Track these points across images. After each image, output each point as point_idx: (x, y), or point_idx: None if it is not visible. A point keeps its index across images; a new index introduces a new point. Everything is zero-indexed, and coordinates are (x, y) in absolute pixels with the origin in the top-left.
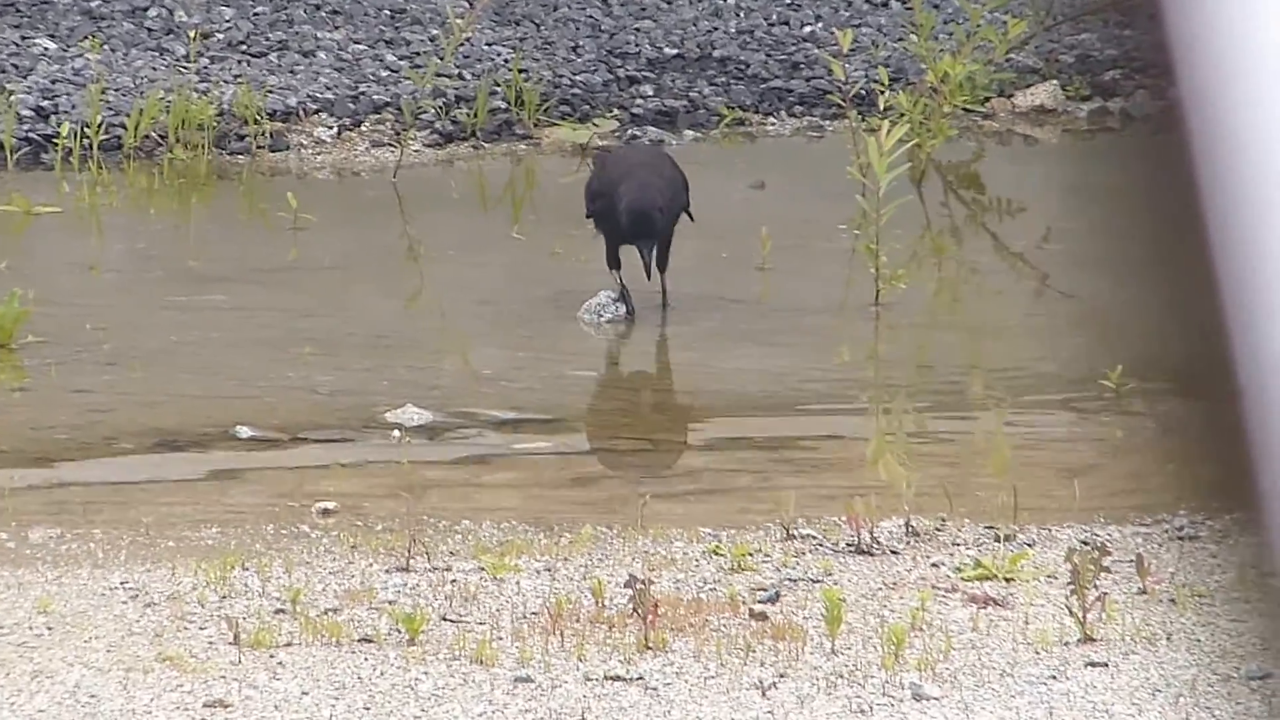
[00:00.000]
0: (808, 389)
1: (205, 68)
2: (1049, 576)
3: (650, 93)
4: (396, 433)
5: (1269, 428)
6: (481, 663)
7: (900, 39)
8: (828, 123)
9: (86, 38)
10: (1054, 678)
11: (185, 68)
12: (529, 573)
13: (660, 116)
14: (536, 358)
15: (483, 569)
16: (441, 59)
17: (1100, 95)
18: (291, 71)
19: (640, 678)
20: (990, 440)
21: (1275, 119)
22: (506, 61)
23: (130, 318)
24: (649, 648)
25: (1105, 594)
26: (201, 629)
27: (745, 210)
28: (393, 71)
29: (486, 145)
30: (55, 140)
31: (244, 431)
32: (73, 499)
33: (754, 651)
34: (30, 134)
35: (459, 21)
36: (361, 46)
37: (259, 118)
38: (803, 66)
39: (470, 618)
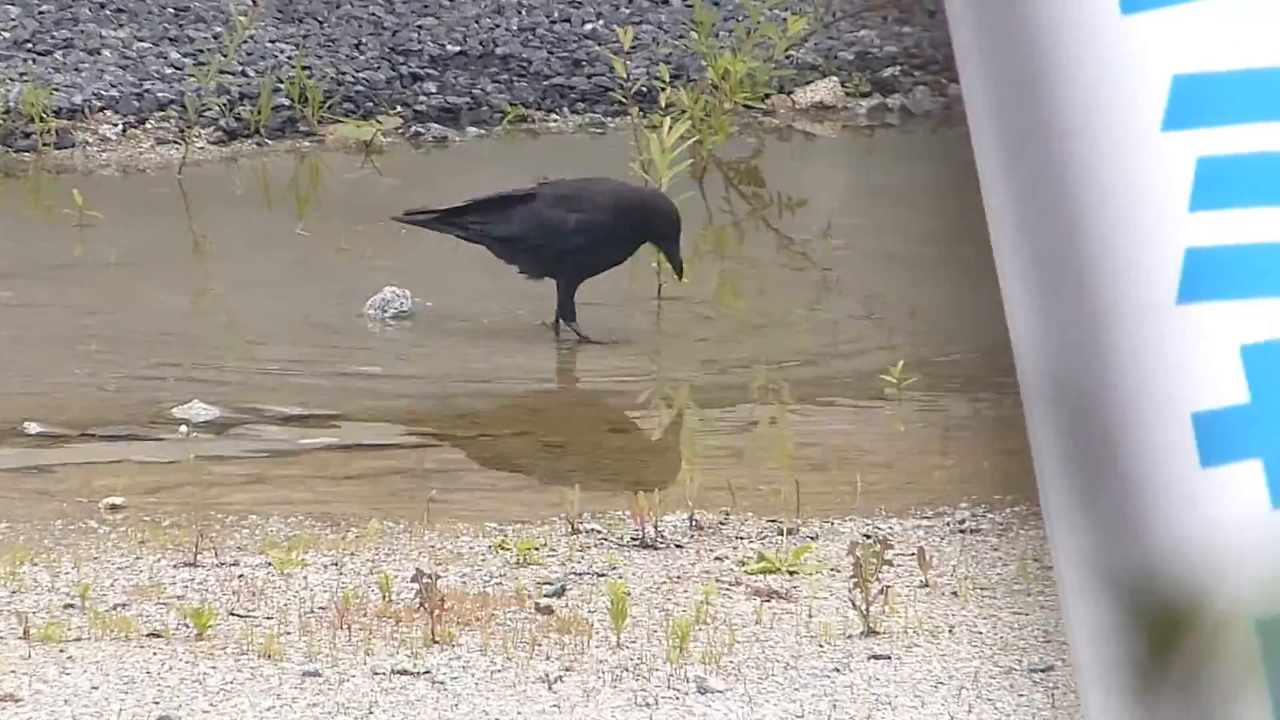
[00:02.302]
0: (592, 384)
1: None
2: (832, 570)
3: (433, 90)
4: (184, 428)
5: (1043, 422)
6: (269, 657)
7: (681, 36)
8: (610, 120)
9: None
10: (837, 670)
11: None
12: (316, 567)
13: (443, 114)
14: (322, 354)
15: (270, 564)
16: (225, 56)
17: (880, 92)
18: (76, 69)
19: (427, 672)
20: (773, 435)
21: (1054, 117)
22: (290, 59)
23: None
24: (436, 642)
25: (888, 587)
26: None
27: None
28: (177, 69)
29: (270, 142)
30: None
31: (32, 428)
32: None
33: (540, 645)
34: None
35: (242, 19)
36: (146, 44)
37: (44, 115)
38: (585, 64)
39: (258, 612)
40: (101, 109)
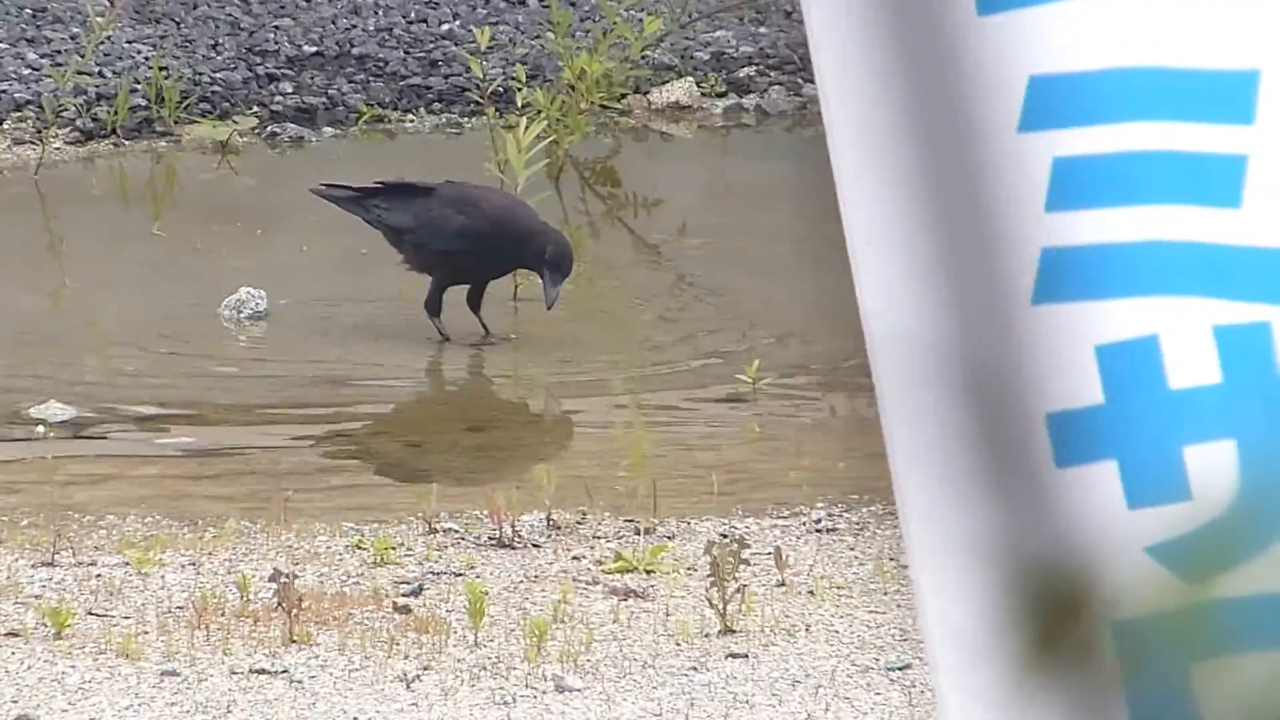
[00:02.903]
0: (447, 383)
1: None
2: (689, 569)
3: (290, 90)
4: (40, 428)
5: (898, 422)
6: (128, 656)
7: (538, 36)
8: (466, 120)
9: None
10: (695, 669)
11: None
12: (174, 567)
13: (300, 114)
14: (178, 354)
15: (128, 563)
16: (82, 57)
17: (735, 92)
18: None
19: (285, 671)
20: (629, 434)
21: (911, 117)
22: (147, 59)
23: None
24: (294, 641)
25: (745, 586)
26: None
27: None
28: (34, 70)
29: (127, 143)
30: None
31: None
32: None
33: (398, 644)
34: None
35: (99, 20)
36: (3, 45)
37: None
38: (441, 64)
39: (116, 612)
40: None
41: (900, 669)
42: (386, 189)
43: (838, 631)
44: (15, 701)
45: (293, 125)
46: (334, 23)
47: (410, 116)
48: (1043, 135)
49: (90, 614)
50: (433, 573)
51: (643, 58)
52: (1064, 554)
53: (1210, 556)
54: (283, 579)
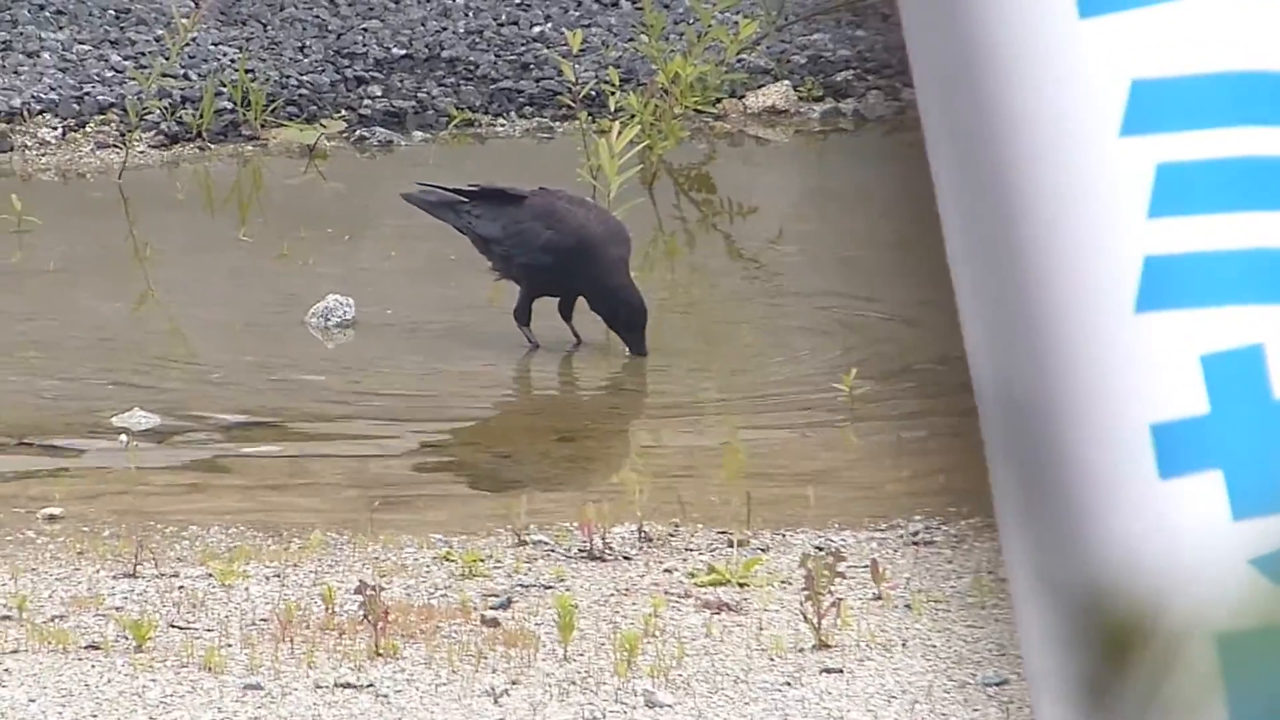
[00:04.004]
0: (537, 392)
1: None
2: (783, 582)
3: (378, 93)
4: (123, 437)
5: (999, 433)
6: (210, 670)
7: (631, 39)
8: (558, 124)
9: None
10: (788, 684)
11: None
12: (258, 579)
13: (388, 117)
14: (264, 362)
15: (211, 575)
16: (167, 59)
17: (833, 96)
18: (15, 72)
19: (371, 685)
20: (724, 445)
21: (1011, 122)
22: (233, 62)
23: None
24: (380, 655)
25: (840, 600)
26: None
27: None
28: (118, 72)
29: (213, 146)
30: None
31: None
32: None
33: (486, 658)
34: None
35: (184, 21)
36: (86, 47)
37: None
38: (532, 67)
39: (199, 624)
40: (41, 112)
41: (998, 684)
42: (481, 193)
43: (935, 646)
44: (95, 716)
45: (381, 129)
46: (423, 25)
47: (501, 120)
48: (1145, 140)
49: (172, 626)
50: (522, 585)
51: (738, 61)
52: (1160, 567)
53: None
54: (369, 591)
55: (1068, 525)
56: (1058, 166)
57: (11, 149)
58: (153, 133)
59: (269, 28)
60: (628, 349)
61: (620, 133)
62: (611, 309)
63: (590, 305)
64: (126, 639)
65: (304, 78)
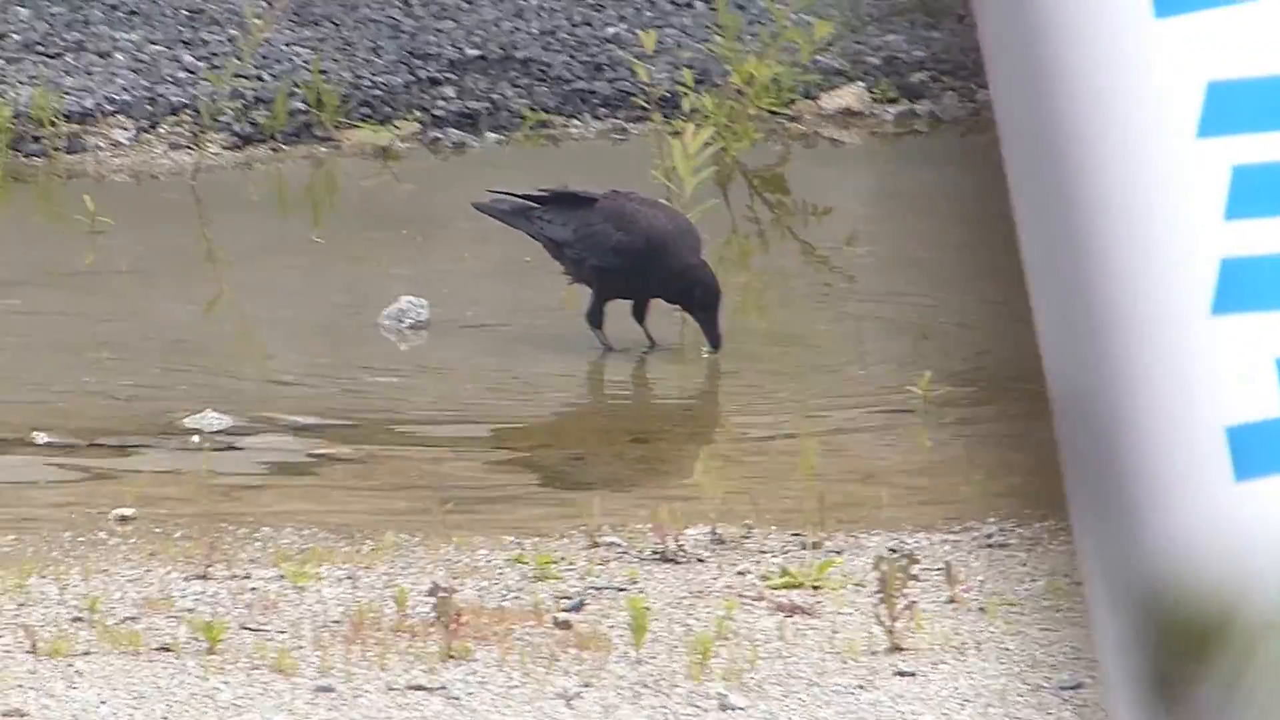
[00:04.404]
0: (610, 394)
1: (0, 69)
2: (857, 585)
3: (452, 94)
4: (195, 438)
5: (1074, 434)
6: (282, 672)
7: (705, 40)
8: (632, 125)
9: None
10: (862, 687)
11: None
12: (330, 580)
13: (462, 119)
14: (337, 363)
15: (283, 576)
16: (240, 60)
17: (907, 98)
18: (88, 73)
19: (443, 687)
20: (796, 447)
21: (1087, 124)
22: (306, 63)
23: None
24: (452, 657)
25: (914, 603)
26: None
27: None
28: (190, 73)
29: (286, 147)
30: None
31: (41, 437)
32: None
33: (558, 661)
34: None
35: (257, 22)
36: (159, 47)
37: (55, 120)
38: (606, 68)
39: (270, 626)
40: (113, 113)
41: (1072, 688)
42: (552, 198)
43: (1009, 650)
44: (166, 718)
45: (455, 130)
46: (497, 25)
47: (575, 121)
48: (1222, 142)
49: (244, 628)
50: (594, 587)
51: (813, 62)
52: (1237, 567)
53: None
54: (441, 593)
55: (1144, 526)
56: (1134, 168)
57: (84, 150)
58: (225, 134)
59: (342, 28)
60: (704, 337)
61: (694, 134)
62: (685, 288)
63: (665, 297)
64: (198, 641)
65: (377, 79)
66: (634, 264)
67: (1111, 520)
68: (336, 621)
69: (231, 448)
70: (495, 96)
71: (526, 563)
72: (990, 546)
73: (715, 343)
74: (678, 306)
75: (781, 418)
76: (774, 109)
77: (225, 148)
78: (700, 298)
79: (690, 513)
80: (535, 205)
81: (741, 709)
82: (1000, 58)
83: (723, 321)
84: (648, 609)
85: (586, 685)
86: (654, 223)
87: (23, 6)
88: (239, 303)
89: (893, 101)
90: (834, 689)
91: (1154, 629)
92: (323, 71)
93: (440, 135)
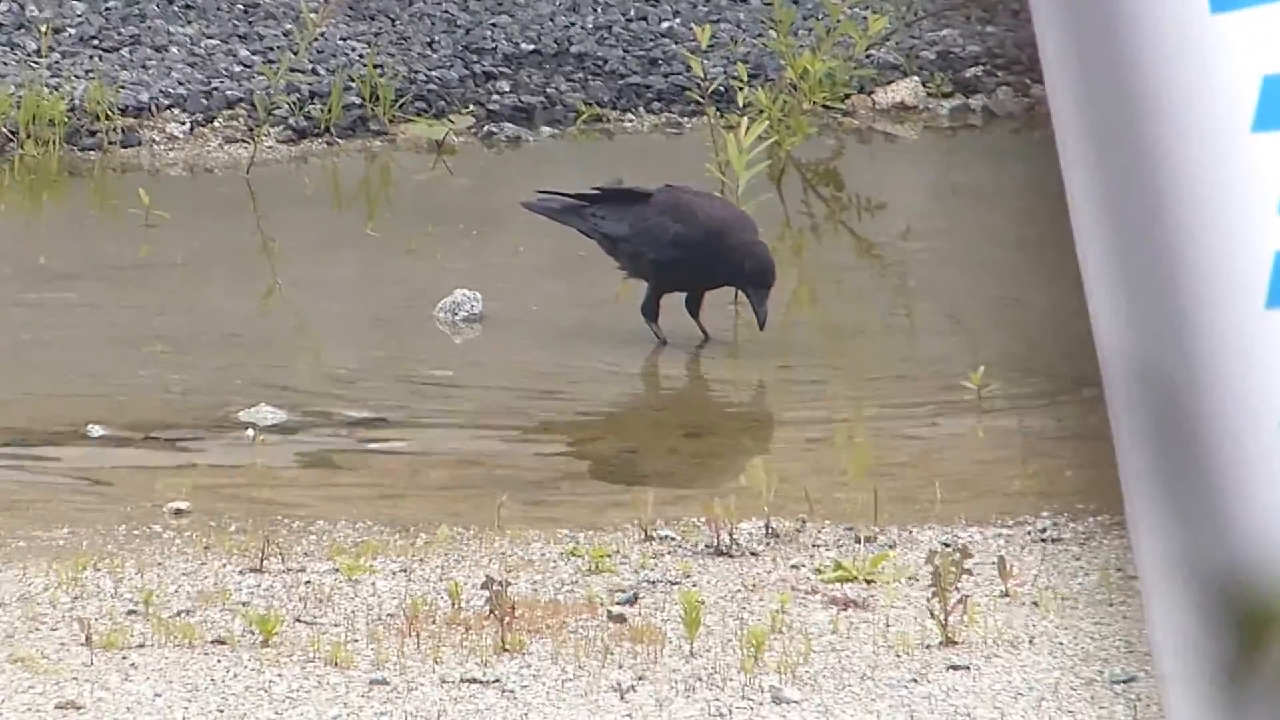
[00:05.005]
0: (664, 388)
1: (56, 63)
2: (910, 579)
3: (507, 89)
4: (250, 432)
5: (1130, 428)
6: (336, 665)
7: (759, 35)
8: (686, 120)
9: None
10: (915, 681)
11: (36, 63)
12: (384, 574)
13: (517, 113)
14: (391, 357)
15: (337, 570)
16: (295, 54)
17: (962, 92)
18: (144, 67)
19: (497, 680)
20: (850, 441)
21: (1141, 119)
22: (361, 57)
23: None
24: (506, 650)
25: (967, 596)
26: (53, 630)
27: None
28: (246, 67)
29: (341, 142)
30: None
31: (96, 430)
32: None
33: (612, 654)
34: None
35: (313, 16)
36: (214, 41)
37: (111, 113)
38: (661, 63)
39: (325, 619)
40: (169, 107)
41: (1125, 682)
42: (604, 195)
43: (1062, 643)
44: (221, 711)
45: (510, 124)
46: (552, 20)
47: (629, 116)
48: (1277, 136)
49: (299, 621)
50: (648, 581)
51: (867, 57)
52: None
53: None
54: (496, 586)
55: (1203, 519)
56: (1188, 162)
57: (139, 144)
58: (281, 128)
59: (397, 23)
60: (754, 314)
61: (749, 128)
62: (737, 263)
63: (721, 280)
64: (253, 634)
65: (432, 73)
66: (692, 255)
67: (1174, 511)
68: (391, 615)
69: (286, 441)
70: (550, 91)
71: (581, 556)
72: (1043, 541)
73: (761, 321)
74: (734, 292)
75: (835, 411)
76: (828, 103)
77: (280, 141)
78: (750, 271)
79: (744, 506)
80: (587, 203)
81: (795, 702)
82: (1055, 52)
83: (770, 304)
84: (701, 602)
85: (640, 679)
86: (712, 212)
87: (79, 1)
88: (293, 297)
89: (947, 96)
90: (887, 683)
91: (1218, 614)
92: (378, 66)
93: (495, 129)
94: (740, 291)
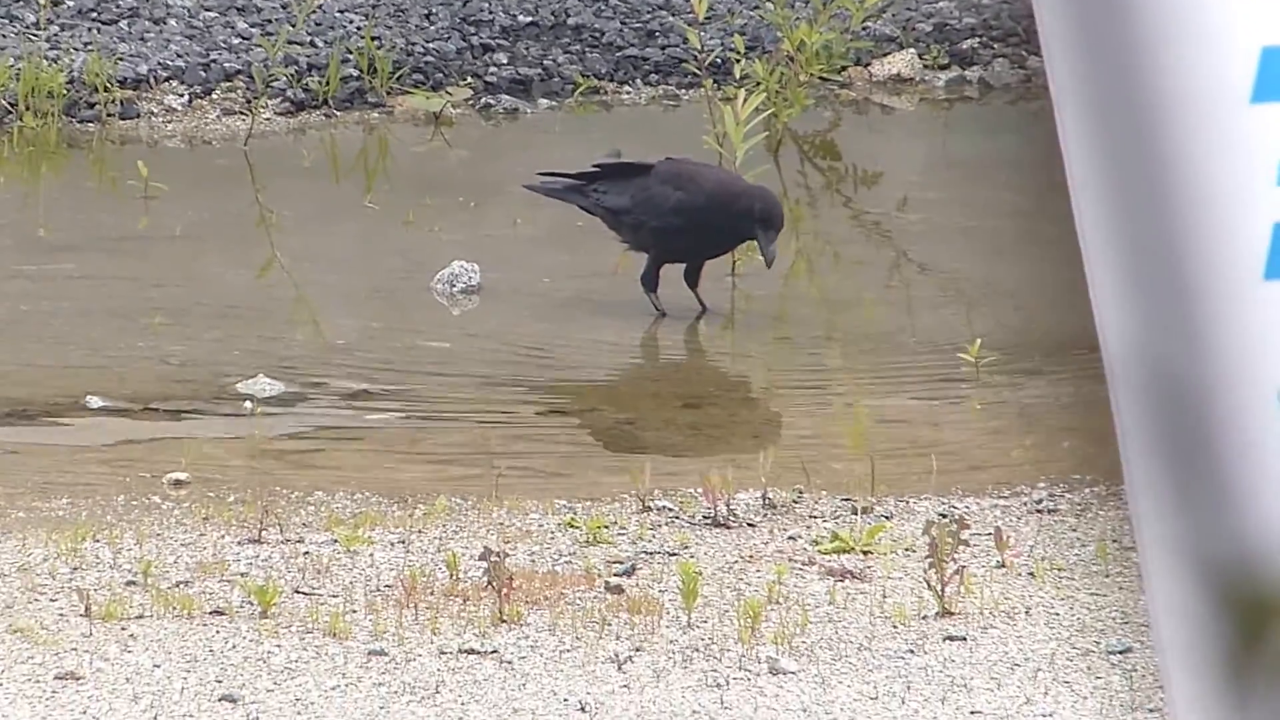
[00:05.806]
0: (662, 359)
1: (55, 35)
2: (907, 550)
3: (504, 61)
4: (248, 403)
5: (1129, 401)
6: (335, 635)
7: (756, 7)
8: (683, 91)
9: None
10: (912, 651)
11: (35, 35)
12: (383, 545)
13: (514, 85)
14: (389, 328)
15: (336, 541)
16: (293, 26)
17: (958, 64)
18: (142, 39)
19: (495, 651)
20: (847, 412)
21: (1140, 90)
22: (359, 29)
23: None
24: (504, 621)
25: (963, 567)
26: (52, 601)
27: None
28: (244, 39)
29: (339, 114)
30: None
31: (94, 401)
32: None
33: (609, 625)
34: None
35: None
36: (213, 14)
37: (109, 85)
38: (658, 34)
39: (323, 590)
40: (167, 79)
41: (1121, 653)
42: (605, 171)
43: (1058, 614)
44: (220, 681)
45: (507, 96)
46: None
47: (626, 88)
48: (1275, 107)
49: (297, 592)
50: (646, 552)
51: (864, 29)
52: None
53: None
54: (493, 557)
55: (1203, 493)
56: (1187, 133)
57: (138, 116)
58: (279, 100)
59: None
60: (763, 255)
61: (746, 100)
62: (747, 207)
63: (727, 236)
64: (251, 605)
65: (430, 45)
66: (694, 221)
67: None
68: (389, 585)
69: (284, 413)
70: (547, 63)
71: (578, 527)
72: (1040, 512)
73: (769, 260)
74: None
75: (832, 383)
76: (825, 75)
77: (278, 113)
78: (760, 211)
79: (741, 478)
80: (587, 181)
81: (792, 673)
82: (1050, 24)
83: (777, 245)
84: (699, 573)
85: (638, 649)
86: (712, 177)
87: None
88: (291, 268)
89: (944, 68)
90: (884, 653)
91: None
92: (375, 38)
93: (492, 101)
94: (751, 239)
